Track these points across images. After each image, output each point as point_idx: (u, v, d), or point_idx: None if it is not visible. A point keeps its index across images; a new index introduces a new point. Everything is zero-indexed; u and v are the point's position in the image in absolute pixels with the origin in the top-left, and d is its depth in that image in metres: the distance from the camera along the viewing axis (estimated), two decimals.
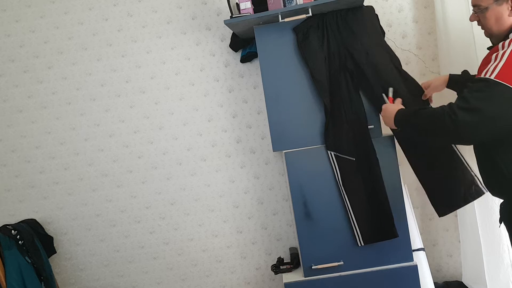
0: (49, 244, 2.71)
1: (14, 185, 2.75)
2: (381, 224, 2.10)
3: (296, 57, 2.15)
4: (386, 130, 2.24)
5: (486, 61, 1.62)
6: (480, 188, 2.07)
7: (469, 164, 2.09)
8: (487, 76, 1.52)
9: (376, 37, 2.14)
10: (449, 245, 2.64)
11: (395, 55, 2.17)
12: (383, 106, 1.90)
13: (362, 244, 2.13)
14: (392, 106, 1.85)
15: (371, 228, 2.12)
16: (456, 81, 2.04)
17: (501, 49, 1.59)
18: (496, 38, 1.70)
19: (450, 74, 2.06)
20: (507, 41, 1.59)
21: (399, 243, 2.13)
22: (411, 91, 2.11)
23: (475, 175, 2.08)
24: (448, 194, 2.10)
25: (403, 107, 1.84)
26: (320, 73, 2.11)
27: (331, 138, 2.12)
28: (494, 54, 1.59)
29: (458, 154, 2.10)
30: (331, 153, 2.13)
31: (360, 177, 2.11)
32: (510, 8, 1.62)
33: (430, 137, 1.70)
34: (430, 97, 2.14)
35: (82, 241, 2.76)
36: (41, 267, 2.55)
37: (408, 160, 2.15)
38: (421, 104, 2.11)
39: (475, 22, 1.78)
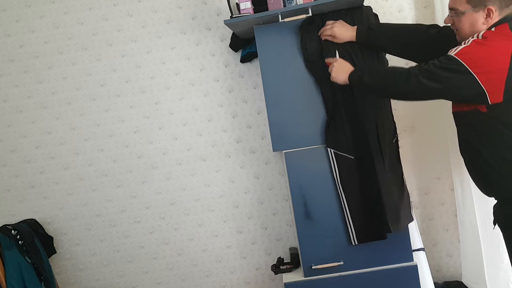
0: (49, 244, 2.71)
1: (14, 185, 2.75)
2: (375, 224, 2.10)
3: (296, 57, 2.15)
4: None
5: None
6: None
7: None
8: (450, 54, 1.65)
9: None
10: (449, 245, 2.64)
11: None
12: (339, 60, 1.98)
13: (356, 243, 2.13)
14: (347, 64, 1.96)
15: (365, 227, 2.12)
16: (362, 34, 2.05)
17: (470, 38, 1.67)
18: None
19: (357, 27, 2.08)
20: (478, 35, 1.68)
21: (399, 243, 2.13)
22: None
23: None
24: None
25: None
26: (319, 72, 2.11)
27: (331, 136, 2.12)
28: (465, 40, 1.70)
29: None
30: (330, 151, 2.13)
31: (358, 176, 2.11)
32: (485, 17, 1.67)
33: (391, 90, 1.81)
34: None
35: (82, 241, 2.76)
36: (41, 267, 2.55)
37: None
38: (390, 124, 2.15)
39: None
